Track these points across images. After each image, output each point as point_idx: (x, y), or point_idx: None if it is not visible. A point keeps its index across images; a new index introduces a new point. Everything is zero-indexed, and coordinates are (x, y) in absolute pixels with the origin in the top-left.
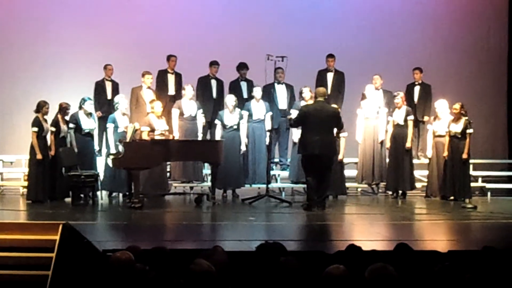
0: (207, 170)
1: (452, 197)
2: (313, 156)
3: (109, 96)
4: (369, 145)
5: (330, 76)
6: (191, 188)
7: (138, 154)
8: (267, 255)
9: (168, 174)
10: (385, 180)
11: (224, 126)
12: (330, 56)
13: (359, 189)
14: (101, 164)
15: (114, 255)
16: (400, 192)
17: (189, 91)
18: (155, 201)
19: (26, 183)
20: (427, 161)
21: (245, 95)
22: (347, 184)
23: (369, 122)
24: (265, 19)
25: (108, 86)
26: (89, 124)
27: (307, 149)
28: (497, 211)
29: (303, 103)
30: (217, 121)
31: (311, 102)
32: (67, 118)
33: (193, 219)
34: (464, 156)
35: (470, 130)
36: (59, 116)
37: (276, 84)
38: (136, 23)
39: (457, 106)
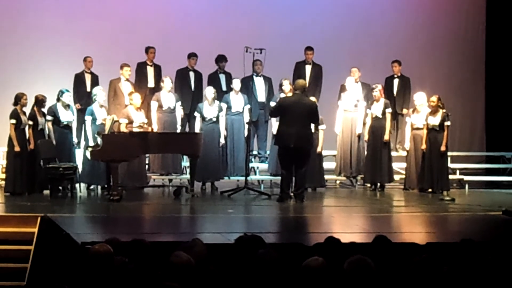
0: (186, 162)
1: (430, 190)
2: (289, 149)
3: (88, 89)
4: (346, 137)
5: (308, 69)
6: (170, 180)
7: (117, 146)
8: (246, 247)
9: (146, 166)
10: (363, 173)
11: (203, 119)
12: (309, 48)
13: (337, 182)
14: (80, 156)
15: (93, 248)
16: (379, 184)
17: (167, 83)
18: (133, 194)
19: (4, 176)
20: (405, 153)
21: (223, 88)
22: (326, 177)
23: (348, 115)
24: (243, 11)
25: (88, 79)
26: (67, 116)
27: (283, 141)
28: (475, 204)
29: (282, 95)
30: (196, 114)
31: (290, 94)
32: (44, 110)
33: (172, 211)
34: (442, 148)
35: (448, 123)
36: (35, 108)
37: (254, 77)
38: (115, 14)
39: (434, 98)
